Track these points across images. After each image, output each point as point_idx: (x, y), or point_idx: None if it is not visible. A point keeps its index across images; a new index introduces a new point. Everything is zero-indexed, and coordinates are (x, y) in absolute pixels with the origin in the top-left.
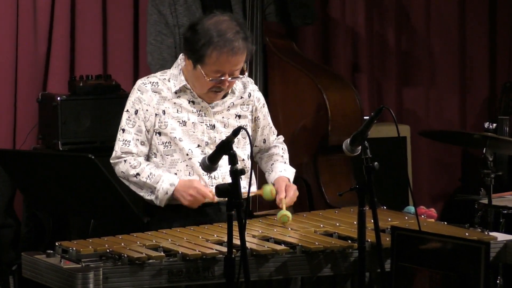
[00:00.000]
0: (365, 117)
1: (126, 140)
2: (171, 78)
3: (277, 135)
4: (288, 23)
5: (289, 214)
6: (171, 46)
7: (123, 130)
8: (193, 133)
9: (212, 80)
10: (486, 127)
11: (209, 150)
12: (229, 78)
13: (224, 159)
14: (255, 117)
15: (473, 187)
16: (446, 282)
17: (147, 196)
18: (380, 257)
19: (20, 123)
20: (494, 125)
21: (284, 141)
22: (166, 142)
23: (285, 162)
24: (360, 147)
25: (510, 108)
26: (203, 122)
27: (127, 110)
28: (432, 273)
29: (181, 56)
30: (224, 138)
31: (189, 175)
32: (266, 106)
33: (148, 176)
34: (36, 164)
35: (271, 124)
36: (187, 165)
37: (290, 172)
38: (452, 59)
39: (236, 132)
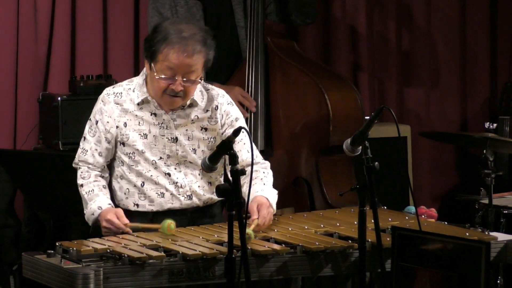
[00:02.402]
0: (366, 117)
1: (84, 149)
2: (136, 88)
3: (262, 161)
4: (289, 23)
5: (251, 233)
6: None
7: (84, 138)
8: (155, 146)
9: (163, 78)
10: (486, 127)
11: (171, 163)
12: (183, 79)
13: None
14: (223, 132)
15: (473, 187)
16: (447, 282)
17: (84, 209)
18: (380, 257)
19: (20, 123)
20: (495, 125)
21: (285, 141)
22: (130, 153)
23: (264, 184)
24: (360, 147)
25: (511, 108)
26: (164, 135)
27: (90, 119)
28: (432, 273)
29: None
30: (188, 151)
31: (155, 184)
32: (241, 121)
33: (87, 192)
34: (37, 164)
35: (247, 142)
36: (152, 175)
37: (268, 192)
38: (452, 59)
39: (236, 132)
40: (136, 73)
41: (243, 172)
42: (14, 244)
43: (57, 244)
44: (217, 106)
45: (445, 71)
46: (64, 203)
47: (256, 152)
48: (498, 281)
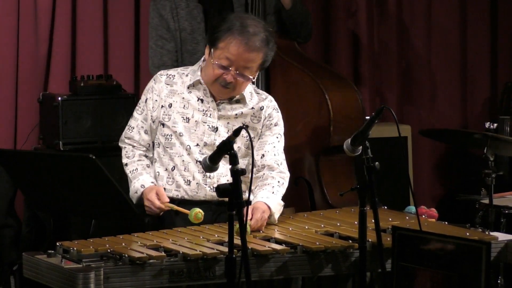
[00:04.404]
0: (366, 117)
1: (131, 126)
2: (190, 73)
3: (284, 171)
4: (287, 36)
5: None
6: (172, 50)
7: (132, 116)
8: (194, 131)
9: (217, 65)
10: (487, 127)
11: (207, 151)
12: (237, 72)
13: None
14: (260, 132)
15: (474, 187)
16: (447, 282)
17: (129, 194)
18: (381, 257)
19: (21, 123)
20: (495, 125)
21: (286, 141)
22: (167, 135)
23: (273, 192)
24: (361, 147)
25: (511, 108)
26: (206, 123)
27: (141, 97)
28: (433, 273)
29: (205, 55)
30: None
31: (185, 170)
32: (280, 128)
33: (132, 171)
34: (37, 164)
35: (278, 148)
36: (183, 161)
37: (272, 201)
38: (453, 59)
39: (237, 132)
40: (137, 73)
41: (243, 172)
42: (14, 244)
43: (57, 244)
44: (262, 107)
45: (446, 71)
46: (64, 203)
47: (282, 160)
48: (499, 281)
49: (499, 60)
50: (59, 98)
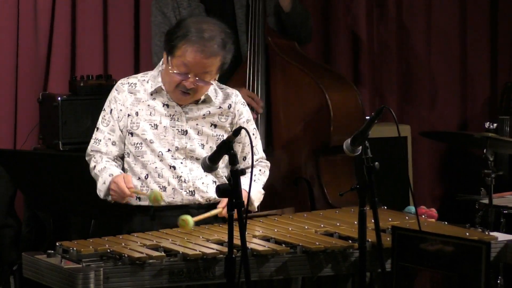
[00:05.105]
0: (366, 117)
1: (97, 139)
2: (150, 79)
3: (265, 158)
4: (287, 36)
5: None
6: None
7: (97, 129)
8: (164, 137)
9: (176, 73)
10: (486, 127)
11: (179, 156)
12: (196, 78)
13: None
14: (232, 130)
15: (473, 187)
16: (447, 282)
17: (97, 190)
18: (380, 257)
19: (20, 123)
20: (495, 125)
21: (286, 141)
22: (137, 143)
23: (254, 181)
24: (360, 147)
25: (511, 108)
26: (174, 127)
27: (104, 109)
28: (432, 273)
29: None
30: (196, 145)
31: (159, 177)
32: (252, 123)
33: (100, 170)
34: (37, 164)
35: (258, 146)
36: (156, 167)
37: (252, 188)
38: (453, 59)
39: (236, 132)
40: (137, 73)
41: (243, 172)
42: (14, 244)
43: (57, 244)
44: (230, 104)
45: (446, 71)
46: (64, 203)
47: (262, 154)
48: (498, 281)
49: (499, 60)
50: (59, 98)
